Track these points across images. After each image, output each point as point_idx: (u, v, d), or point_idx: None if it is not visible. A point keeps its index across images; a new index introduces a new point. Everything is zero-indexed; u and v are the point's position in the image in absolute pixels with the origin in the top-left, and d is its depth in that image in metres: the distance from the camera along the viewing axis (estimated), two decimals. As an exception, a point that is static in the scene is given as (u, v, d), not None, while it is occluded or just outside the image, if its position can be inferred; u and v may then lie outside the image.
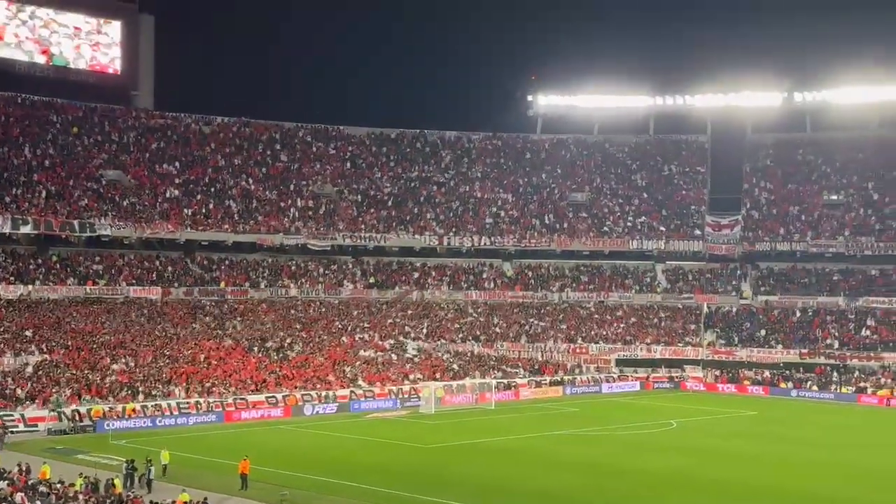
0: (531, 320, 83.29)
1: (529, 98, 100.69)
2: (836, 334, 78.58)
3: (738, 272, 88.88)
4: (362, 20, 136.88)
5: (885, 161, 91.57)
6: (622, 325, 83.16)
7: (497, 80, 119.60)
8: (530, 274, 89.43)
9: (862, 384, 71.94)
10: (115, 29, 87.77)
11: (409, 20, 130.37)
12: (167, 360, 61.96)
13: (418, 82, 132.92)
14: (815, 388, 73.20)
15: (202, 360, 63.42)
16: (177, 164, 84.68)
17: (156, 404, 55.59)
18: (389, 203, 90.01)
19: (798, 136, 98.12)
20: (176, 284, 75.58)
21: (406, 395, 64.65)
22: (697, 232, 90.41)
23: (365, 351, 72.03)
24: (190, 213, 79.57)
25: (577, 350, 79.98)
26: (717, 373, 78.56)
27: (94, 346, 62.23)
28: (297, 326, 74.20)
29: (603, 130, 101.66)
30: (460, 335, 79.50)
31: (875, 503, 38.19)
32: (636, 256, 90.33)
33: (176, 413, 55.77)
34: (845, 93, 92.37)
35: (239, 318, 73.34)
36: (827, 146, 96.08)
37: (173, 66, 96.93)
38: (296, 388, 61.95)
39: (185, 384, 58.51)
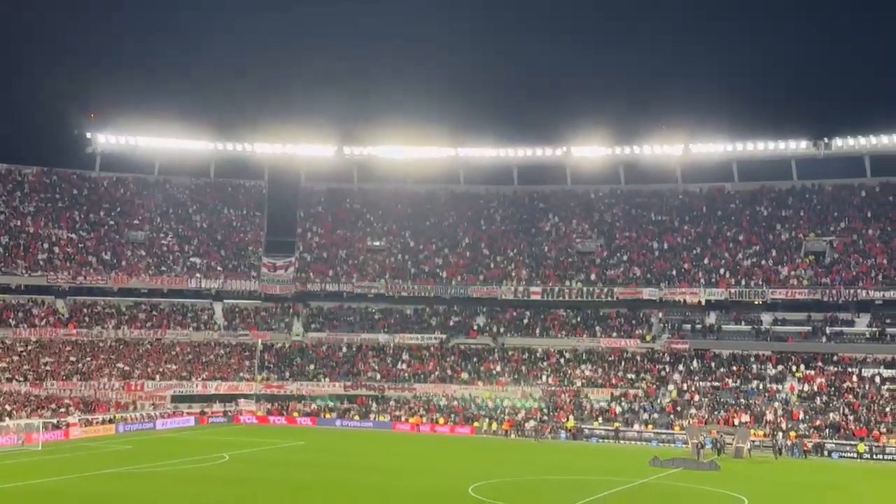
0: (85, 358, 78.47)
1: (88, 136, 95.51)
2: (377, 368, 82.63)
3: (291, 311, 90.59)
4: None
5: (419, 212, 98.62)
6: (179, 362, 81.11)
7: (53, 115, 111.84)
8: (85, 311, 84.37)
9: (397, 413, 76.18)
10: None
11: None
12: None
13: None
14: (356, 417, 76.33)
15: None
16: None
17: None
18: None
19: (347, 186, 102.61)
20: None
21: (-60, 441, 57.73)
22: (254, 272, 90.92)
23: None
24: None
25: (133, 387, 76.67)
26: (270, 406, 79.21)
27: None
28: None
29: (164, 171, 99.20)
30: (6, 374, 72.74)
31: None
32: (195, 295, 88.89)
33: None
34: (386, 150, 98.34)
35: None
36: (371, 197, 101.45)
37: None
38: None
39: None
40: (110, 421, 69.53)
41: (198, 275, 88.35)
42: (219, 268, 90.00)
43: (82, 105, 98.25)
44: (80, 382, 75.28)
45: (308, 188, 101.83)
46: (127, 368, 78.57)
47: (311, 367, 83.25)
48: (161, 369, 79.56)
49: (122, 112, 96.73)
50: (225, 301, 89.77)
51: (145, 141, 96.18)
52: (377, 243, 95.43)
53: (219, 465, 54.21)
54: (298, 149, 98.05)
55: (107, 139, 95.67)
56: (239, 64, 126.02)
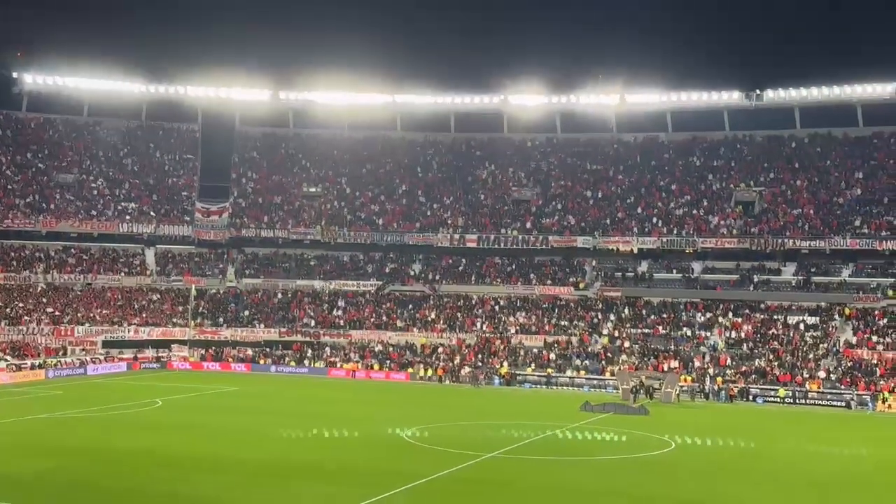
0: (14, 302, 76.84)
1: (14, 75, 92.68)
2: (312, 314, 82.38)
3: (226, 256, 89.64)
4: None
5: (355, 159, 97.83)
6: (110, 307, 79.90)
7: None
8: (13, 255, 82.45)
9: (332, 359, 76.22)
10: None
11: None
12: None
13: None
14: (292, 363, 76.21)
15: None
16: None
17: None
18: None
19: (283, 131, 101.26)
20: None
21: None
22: (187, 217, 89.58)
23: None
24: None
25: (63, 332, 75.38)
26: (203, 352, 78.65)
27: None
28: None
29: (93, 113, 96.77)
30: (-70, 320, 71.02)
31: (319, 466, 40.32)
32: (126, 240, 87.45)
33: None
34: (323, 95, 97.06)
35: None
36: (307, 142, 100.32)
37: None
38: None
39: None
40: (40, 366, 68.43)
41: (129, 219, 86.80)
42: (151, 213, 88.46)
43: (8, 43, 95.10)
44: (9, 327, 73.79)
45: (243, 132, 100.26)
46: (57, 313, 77.19)
47: (246, 313, 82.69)
48: (92, 314, 78.31)
49: (50, 51, 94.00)
50: (157, 246, 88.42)
51: (74, 81, 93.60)
52: (313, 189, 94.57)
53: (152, 411, 53.77)
54: (233, 92, 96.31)
55: (34, 79, 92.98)
56: (172, 3, 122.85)
